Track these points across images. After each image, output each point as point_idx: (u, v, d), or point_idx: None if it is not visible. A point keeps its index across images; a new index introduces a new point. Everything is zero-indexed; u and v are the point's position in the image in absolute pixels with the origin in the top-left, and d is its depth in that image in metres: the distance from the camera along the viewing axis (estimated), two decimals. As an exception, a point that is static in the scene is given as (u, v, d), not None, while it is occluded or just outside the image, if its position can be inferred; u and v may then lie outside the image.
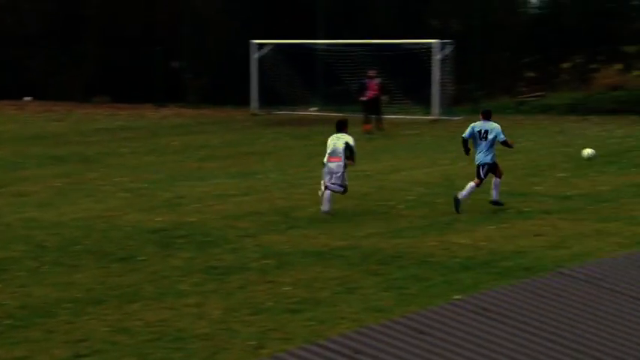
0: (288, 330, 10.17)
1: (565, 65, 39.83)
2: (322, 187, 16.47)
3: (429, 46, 34.09)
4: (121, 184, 20.15)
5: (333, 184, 16.51)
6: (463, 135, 17.34)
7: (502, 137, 17.05)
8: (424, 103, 35.15)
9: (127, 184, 20.13)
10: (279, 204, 17.50)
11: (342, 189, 16.62)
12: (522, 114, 35.03)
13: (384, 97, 31.51)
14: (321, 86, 39.45)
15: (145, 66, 42.30)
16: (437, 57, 33.81)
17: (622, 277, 7.24)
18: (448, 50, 34.11)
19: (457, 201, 16.44)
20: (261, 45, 37.60)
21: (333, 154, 16.85)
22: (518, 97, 37.57)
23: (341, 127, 17.45)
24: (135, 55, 42.19)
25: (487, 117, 17.39)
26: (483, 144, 16.93)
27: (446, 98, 34.72)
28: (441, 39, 34.46)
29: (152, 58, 41.54)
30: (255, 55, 37.40)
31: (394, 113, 33.63)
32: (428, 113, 34.36)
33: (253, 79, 37.25)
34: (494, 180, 16.71)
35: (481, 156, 16.92)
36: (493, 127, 17.08)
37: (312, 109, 37.79)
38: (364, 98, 30.68)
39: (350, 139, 16.93)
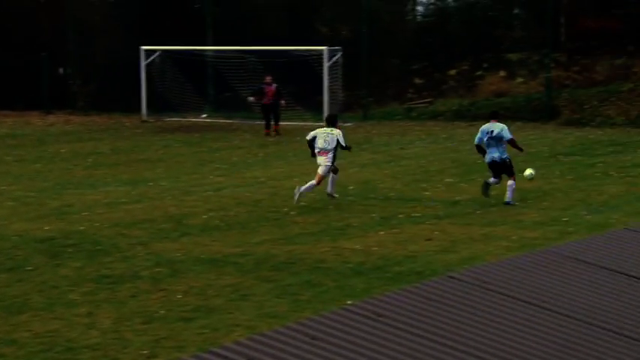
0: (181, 338, 10.10)
1: (452, 72, 40.59)
2: (314, 181, 17.75)
3: (318, 53, 34.31)
4: (7, 193, 19.69)
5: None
6: (474, 142, 18.34)
7: (509, 135, 17.83)
8: (315, 109, 35.35)
9: (14, 193, 19.68)
10: (171, 211, 17.36)
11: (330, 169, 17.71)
12: (411, 120, 35.54)
13: (282, 102, 31.91)
14: (212, 93, 39.32)
15: (31, 72, 41.47)
16: (326, 64, 34.02)
17: (509, 280, 7.42)
18: (337, 57, 34.38)
19: (486, 185, 17.54)
20: (150, 51, 37.27)
21: (323, 149, 17.82)
22: (407, 104, 38.10)
23: (331, 121, 18.64)
24: (20, 61, 41.31)
25: (494, 117, 18.48)
26: (492, 143, 17.85)
27: (336, 105, 34.97)
28: (330, 46, 34.72)
29: (38, 64, 40.75)
30: (144, 62, 37.04)
31: (286, 120, 33.66)
32: (319, 119, 34.54)
33: (143, 86, 36.88)
34: (508, 182, 17.47)
35: (492, 155, 17.81)
36: (500, 126, 17.98)
37: (202, 115, 37.63)
38: (264, 102, 31.44)
39: (340, 136, 17.97)
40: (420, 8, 45.83)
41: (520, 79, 37.75)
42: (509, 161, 17.81)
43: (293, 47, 35.37)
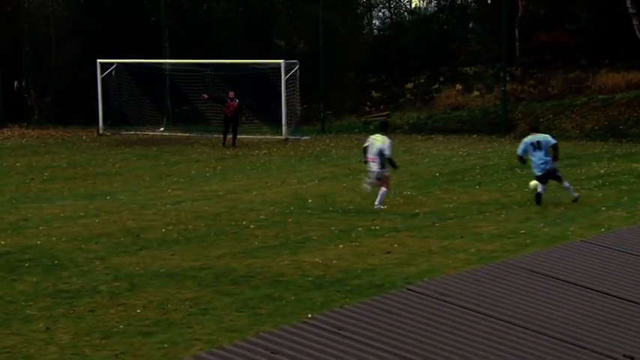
0: (140, 353, 10.06)
1: (408, 85, 40.84)
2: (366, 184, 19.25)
3: (276, 66, 34.37)
4: (-38, 208, 19.48)
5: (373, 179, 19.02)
6: (518, 153, 19.19)
7: (553, 141, 18.88)
8: (273, 122, 35.39)
9: (-31, 207, 19.48)
10: (129, 225, 17.29)
11: (378, 181, 19.00)
12: (369, 133, 35.59)
13: (242, 118, 32.31)
14: (169, 106, 39.22)
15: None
16: (284, 77, 34.10)
17: (467, 293, 7.48)
18: (294, 70, 34.47)
19: (538, 195, 18.50)
20: (106, 64, 37.10)
21: (371, 154, 19.19)
22: (365, 117, 38.27)
23: (382, 127, 20.44)
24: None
25: (535, 130, 19.44)
26: (540, 154, 18.63)
27: (294, 118, 35.04)
28: (288, 59, 34.80)
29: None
30: (100, 75, 36.85)
31: (244, 133, 33.66)
32: (277, 133, 34.61)
33: (99, 99, 36.68)
34: (563, 184, 18.72)
35: (542, 166, 18.60)
36: (544, 136, 18.99)
37: (160, 129, 37.51)
38: (226, 114, 32.04)
39: (385, 143, 19.17)
40: (376, 22, 46.16)
41: (476, 93, 38.10)
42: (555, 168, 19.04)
43: (250, 60, 35.42)
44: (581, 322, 7.34)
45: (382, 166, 19.12)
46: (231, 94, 32.34)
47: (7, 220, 18.00)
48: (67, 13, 41.59)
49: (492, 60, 39.07)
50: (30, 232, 16.76)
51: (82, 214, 18.62)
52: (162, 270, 13.67)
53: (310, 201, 19.90)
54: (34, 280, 13.22)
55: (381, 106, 39.53)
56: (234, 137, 31.76)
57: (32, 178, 24.20)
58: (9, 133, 37.81)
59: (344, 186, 22.04)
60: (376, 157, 19.06)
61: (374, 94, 40.78)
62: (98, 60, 36.85)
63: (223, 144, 31.66)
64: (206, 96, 33.85)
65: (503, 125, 34.12)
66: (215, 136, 34.86)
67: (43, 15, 41.43)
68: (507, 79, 36.03)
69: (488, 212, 18.29)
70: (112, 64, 37.22)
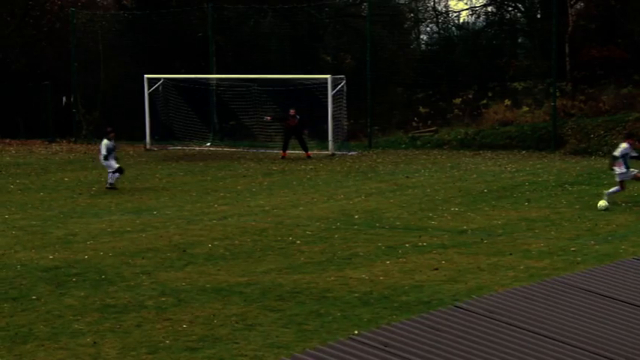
0: (187, 368, 10.10)
1: (456, 101, 40.70)
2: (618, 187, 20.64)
3: (322, 82, 34.46)
4: (11, 222, 19.75)
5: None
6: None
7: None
8: (320, 137, 35.47)
9: (18, 222, 19.75)
10: (175, 240, 17.41)
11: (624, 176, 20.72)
12: (416, 149, 35.64)
13: (305, 131, 33.34)
14: (216, 121, 39.47)
15: (34, 101, 41.64)
16: (330, 92, 34.18)
17: (516, 311, 7.43)
18: (341, 85, 34.54)
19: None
20: (153, 79, 37.45)
21: (616, 159, 20.81)
22: (412, 132, 38.21)
23: (626, 135, 21.98)
24: (23, 90, 41.49)
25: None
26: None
27: (341, 133, 35.10)
28: (335, 74, 34.88)
29: (41, 92, 40.92)
30: (147, 90, 37.20)
31: (291, 148, 33.78)
32: (324, 148, 34.67)
33: (146, 114, 37.02)
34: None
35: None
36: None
37: (206, 144, 37.75)
38: (287, 127, 33.35)
39: (618, 149, 20.96)
40: (424, 37, 46.10)
41: (525, 108, 37.87)
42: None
43: (297, 76, 35.55)
44: (635, 342, 7.25)
45: (626, 168, 20.74)
46: (292, 111, 33.19)
47: (56, 234, 18.21)
48: (115, 29, 42.07)
49: (542, 75, 38.84)
50: (78, 246, 16.94)
51: (129, 229, 18.78)
52: (208, 285, 13.74)
53: (357, 217, 19.90)
54: (82, 294, 13.34)
55: (429, 122, 39.44)
56: (306, 150, 33.03)
57: (80, 193, 24.47)
58: (57, 148, 38.28)
59: (391, 202, 22.01)
60: (619, 159, 20.72)
61: (421, 109, 40.71)
62: (145, 75, 37.21)
63: (283, 157, 32.72)
64: (269, 118, 34.42)
65: (553, 141, 33.88)
66: (262, 151, 35.01)
67: (91, 31, 41.95)
68: (557, 94, 35.78)
69: (537, 229, 18.16)
70: (159, 79, 37.56)
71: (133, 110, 38.57)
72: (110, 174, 25.09)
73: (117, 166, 25.17)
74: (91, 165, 31.63)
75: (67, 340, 11.16)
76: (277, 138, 35.39)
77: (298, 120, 33.06)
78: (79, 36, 41.52)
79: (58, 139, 40.42)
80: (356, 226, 18.68)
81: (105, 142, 25.37)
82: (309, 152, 33.17)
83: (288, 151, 33.12)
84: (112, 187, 24.90)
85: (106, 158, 25.19)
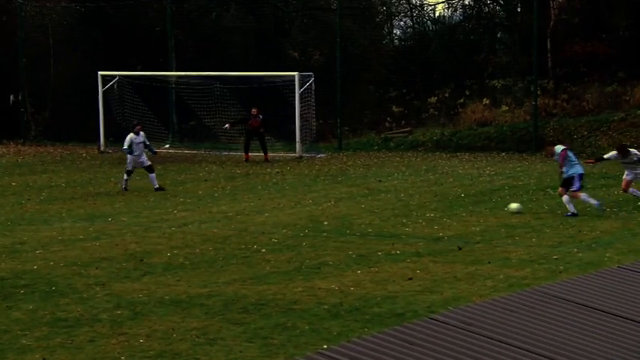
0: (144, 386, 10.07)
1: (432, 100, 40.88)
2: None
3: (289, 79, 34.48)
4: (-47, 230, 19.59)
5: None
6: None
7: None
8: (286, 139, 35.49)
9: (-39, 230, 19.59)
10: (132, 249, 17.35)
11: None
12: (389, 151, 35.74)
13: (262, 130, 33.01)
14: (175, 122, 39.37)
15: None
16: (298, 90, 34.21)
17: (495, 323, 7.47)
18: (309, 83, 34.59)
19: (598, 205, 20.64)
20: (108, 77, 37.31)
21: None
22: (385, 133, 38.32)
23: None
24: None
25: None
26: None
27: (309, 134, 35.14)
28: (302, 71, 34.92)
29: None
30: (102, 88, 37.05)
31: (256, 150, 33.82)
32: (291, 150, 34.70)
33: (100, 114, 36.87)
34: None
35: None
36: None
37: (165, 146, 37.64)
38: (249, 127, 33.43)
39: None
40: (397, 32, 46.27)
41: (505, 108, 38.11)
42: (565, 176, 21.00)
43: (262, 73, 35.57)
44: (618, 354, 7.31)
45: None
46: (254, 110, 33.32)
47: (2, 243, 18.08)
48: (67, 23, 41.84)
49: (522, 72, 39.10)
50: (26, 256, 16.83)
51: (81, 237, 18.69)
52: (167, 297, 13.70)
53: (326, 223, 19.91)
54: (30, 307, 13.26)
55: (403, 122, 39.58)
56: (266, 153, 33.14)
57: (29, 199, 24.31)
58: (4, 150, 38.02)
59: (362, 207, 22.05)
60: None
61: (395, 108, 40.86)
62: (99, 72, 37.07)
63: (246, 160, 32.76)
64: (228, 126, 34.47)
65: (534, 143, 34.11)
66: (225, 153, 34.97)
67: (40, 24, 41.71)
68: (538, 92, 36.04)
69: (517, 236, 18.26)
70: (114, 76, 37.44)
71: (85, 109, 38.38)
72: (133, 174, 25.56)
73: (129, 168, 25.59)
74: (40, 169, 31.45)
75: (14, 357, 11.09)
76: (241, 140, 35.35)
77: (260, 120, 33.10)
78: (27, 30, 41.29)
79: (5, 141, 40.15)
80: (325, 234, 18.69)
81: (130, 135, 25.82)
82: (268, 155, 33.21)
83: (251, 153, 33.12)
84: (125, 189, 25.33)
85: (127, 153, 25.80)
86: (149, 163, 25.98)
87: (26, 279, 14.97)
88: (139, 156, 25.75)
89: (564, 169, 20.77)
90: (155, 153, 26.98)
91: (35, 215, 21.59)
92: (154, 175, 25.74)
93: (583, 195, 20.73)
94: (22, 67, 40.57)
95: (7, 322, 12.56)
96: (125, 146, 25.91)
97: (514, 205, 21.08)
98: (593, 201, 20.72)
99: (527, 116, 36.42)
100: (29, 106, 41.24)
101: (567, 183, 20.76)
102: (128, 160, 25.98)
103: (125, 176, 25.81)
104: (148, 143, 26.38)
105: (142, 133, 26.18)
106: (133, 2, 40.34)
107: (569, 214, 20.36)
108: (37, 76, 41.18)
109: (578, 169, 20.78)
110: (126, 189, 25.43)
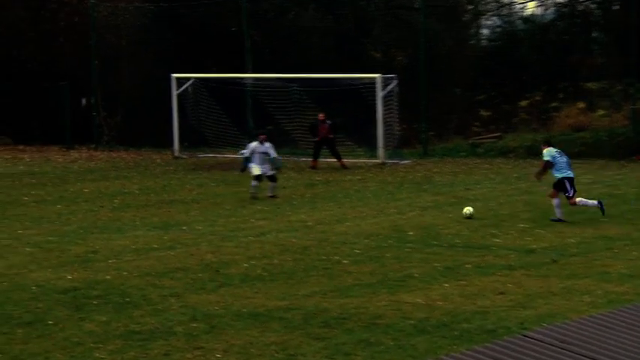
0: (221, 403, 10.09)
1: (523, 103, 40.50)
2: None
3: (371, 82, 34.42)
4: (25, 238, 19.91)
5: None
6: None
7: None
8: (368, 144, 35.43)
9: (32, 238, 19.90)
10: (207, 259, 17.45)
11: None
12: (478, 157, 35.48)
13: (331, 136, 32.98)
14: (252, 126, 39.55)
15: (50, 103, 41.99)
16: (380, 93, 34.13)
17: (592, 341, 7.33)
18: (392, 86, 34.49)
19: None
20: (182, 79, 37.63)
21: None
22: (473, 139, 38.06)
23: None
24: (37, 91, 41.88)
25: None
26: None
27: (392, 139, 35.04)
28: (385, 73, 34.83)
29: (57, 93, 41.27)
30: (176, 91, 37.39)
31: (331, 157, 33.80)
32: (373, 156, 34.62)
33: (175, 118, 37.19)
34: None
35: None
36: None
37: (242, 151, 37.81)
38: (316, 139, 33.29)
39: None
40: (485, 31, 45.90)
41: (601, 112, 37.57)
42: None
43: (342, 75, 35.55)
44: None
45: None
46: (322, 116, 33.06)
47: (74, 252, 18.33)
48: (140, 23, 42.34)
49: (619, 74, 38.49)
50: (99, 265, 17.03)
51: (155, 246, 18.85)
52: (244, 310, 13.74)
53: (411, 233, 19.82)
54: (104, 319, 13.40)
55: (492, 127, 39.28)
56: (340, 159, 32.91)
57: (101, 206, 24.62)
58: (76, 155, 38.58)
59: (449, 217, 21.92)
60: None
61: (483, 112, 40.60)
62: (173, 75, 37.41)
63: (313, 167, 32.65)
64: (316, 139, 33.44)
65: (634, 148, 33.53)
66: (303, 159, 35.04)
67: (113, 25, 42.27)
68: (638, 95, 35.42)
69: (617, 249, 17.97)
70: (189, 79, 37.76)
71: (159, 113, 38.78)
72: (269, 185, 25.46)
73: (256, 173, 25.47)
74: (113, 175, 31.83)
75: (88, 371, 11.20)
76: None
77: (329, 125, 32.92)
78: (99, 31, 41.88)
79: (77, 146, 40.73)
80: (410, 244, 18.61)
81: (253, 143, 25.90)
82: (343, 160, 33.04)
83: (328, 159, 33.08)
84: (254, 197, 25.14)
85: (247, 160, 25.63)
86: (272, 172, 25.67)
87: (99, 289, 15.14)
88: (260, 166, 25.40)
89: (553, 172, 21.43)
90: (278, 168, 26.63)
91: (108, 223, 21.85)
92: (275, 184, 25.55)
93: (580, 200, 21.27)
94: (94, 69, 41.15)
95: (80, 334, 12.71)
96: (246, 153, 25.75)
97: (468, 210, 21.65)
98: (590, 202, 21.50)
99: (625, 121, 35.84)
100: (101, 109, 41.80)
101: (559, 186, 21.33)
102: (249, 165, 25.60)
103: (253, 182, 25.40)
104: (274, 156, 25.94)
105: (267, 143, 25.90)
106: (207, 2, 40.67)
107: (554, 218, 20.83)
108: (110, 79, 41.74)
109: (567, 173, 21.36)
110: (255, 197, 25.07)
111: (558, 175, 21.33)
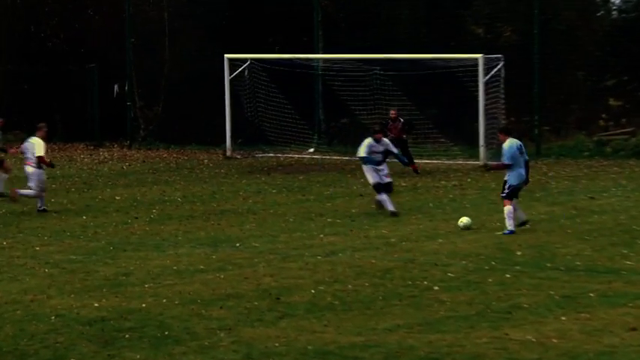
0: None
1: (664, 90, 40.13)
2: None
3: (471, 63, 34.31)
4: (43, 256, 20.14)
5: None
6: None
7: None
8: (467, 142, 35.32)
9: (52, 256, 20.13)
10: (266, 283, 17.51)
11: None
12: (605, 158, 35.20)
13: (405, 137, 32.58)
14: (322, 118, 39.65)
15: (75, 90, 42.49)
16: (482, 78, 34.02)
17: None
18: (498, 69, 34.35)
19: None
20: (237, 61, 37.81)
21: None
22: (599, 135, 37.77)
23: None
24: (60, 76, 42.40)
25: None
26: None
27: (497, 136, 34.89)
28: (488, 53, 34.69)
29: (84, 78, 41.74)
30: (229, 76, 37.59)
31: (426, 156, 33.77)
32: (473, 156, 34.50)
33: (227, 109, 37.40)
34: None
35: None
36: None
37: (309, 150, 37.96)
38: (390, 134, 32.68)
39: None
40: (616, 1, 45.47)
41: None
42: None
43: (435, 55, 35.50)
44: None
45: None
46: (393, 113, 33.00)
47: (102, 274, 18.49)
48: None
49: None
50: (132, 290, 17.15)
51: (202, 267, 18.95)
52: (310, 347, 13.77)
53: (519, 253, 19.72)
54: (137, 357, 13.51)
55: (623, 120, 38.93)
56: (412, 163, 32.08)
57: (136, 217, 24.82)
58: (106, 155, 38.98)
59: (568, 233, 21.79)
60: None
61: (612, 102, 40.23)
62: (226, 55, 37.63)
63: (415, 170, 32.07)
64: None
65: None
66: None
67: (152, -4, 42.66)
68: None
69: None
70: (245, 60, 37.95)
71: (208, 104, 39.05)
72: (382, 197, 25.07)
73: (373, 181, 24.95)
74: (150, 179, 32.10)
75: (117, 420, 11.32)
76: (408, 141, 35.31)
77: (401, 124, 32.61)
78: (136, 1, 42.25)
79: (107, 143, 41.17)
80: (518, 267, 18.52)
81: (367, 140, 25.38)
82: (417, 165, 32.55)
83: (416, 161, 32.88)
84: (380, 207, 24.90)
85: (364, 162, 25.22)
86: (389, 180, 25.18)
87: (132, 320, 15.25)
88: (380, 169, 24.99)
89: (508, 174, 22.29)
90: (407, 163, 26.49)
91: (144, 238, 22.01)
92: (385, 197, 24.76)
93: (509, 206, 22.11)
94: (130, 49, 41.53)
95: (108, 375, 12.85)
96: (361, 154, 25.15)
97: (465, 221, 22.34)
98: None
99: None
100: (137, 98, 42.19)
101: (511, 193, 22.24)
102: (368, 172, 25.05)
103: (379, 196, 24.81)
104: (395, 152, 25.76)
105: (385, 139, 25.66)
106: (269, -34, 40.86)
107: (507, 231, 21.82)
108: (148, 61, 42.10)
109: (512, 178, 22.15)
110: (381, 207, 24.74)
111: (513, 182, 22.16)
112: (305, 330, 14.65)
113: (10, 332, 14.73)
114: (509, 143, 22.18)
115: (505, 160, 22.17)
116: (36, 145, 25.86)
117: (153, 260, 19.61)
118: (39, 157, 25.69)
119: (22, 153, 26.29)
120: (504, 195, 22.08)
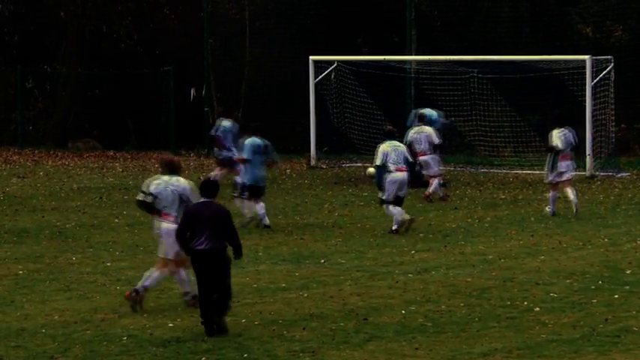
0: None
1: None
2: None
3: (577, 65, 34.07)
4: (114, 272, 20.32)
5: None
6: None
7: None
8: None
9: (124, 272, 20.30)
10: (352, 303, 17.53)
11: None
12: None
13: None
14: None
15: (149, 94, 42.73)
16: (590, 82, 33.76)
17: None
18: (607, 71, 34.07)
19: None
20: (323, 63, 37.84)
21: None
22: None
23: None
24: (133, 79, 42.68)
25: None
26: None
27: (605, 144, 34.63)
28: (596, 54, 34.43)
29: (158, 83, 41.98)
30: (314, 79, 37.63)
31: (525, 166, 33.55)
32: (578, 166, 34.23)
33: (312, 114, 37.45)
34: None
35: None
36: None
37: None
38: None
39: None
40: None
41: None
42: None
43: (539, 57, 35.30)
44: None
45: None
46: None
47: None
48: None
49: None
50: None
51: (283, 285, 19.01)
52: (401, 372, 13.79)
53: (629, 272, 19.56)
54: (214, 380, 13.62)
55: None
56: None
57: (214, 231, 24.95)
58: (182, 163, 39.15)
59: (683, 250, 21.58)
60: None
61: None
62: (311, 57, 37.68)
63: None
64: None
65: None
66: (483, 170, 34.95)
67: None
68: None
69: None
70: (332, 62, 37.97)
71: (291, 109, 39.12)
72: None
73: (387, 198, 24.44)
74: (227, 190, 32.24)
75: None
76: (508, 150, 35.16)
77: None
78: (215, 0, 42.45)
79: (183, 151, 41.38)
80: (627, 287, 18.38)
81: (382, 146, 25.30)
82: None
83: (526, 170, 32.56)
84: (396, 231, 24.28)
85: (381, 172, 24.52)
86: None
87: (209, 342, 15.37)
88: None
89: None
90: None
91: (222, 254, 22.13)
92: (397, 210, 24.37)
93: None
94: (208, 50, 41.72)
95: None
96: (378, 162, 24.83)
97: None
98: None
99: None
100: (216, 103, 42.37)
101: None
102: (384, 184, 24.47)
103: (394, 215, 24.31)
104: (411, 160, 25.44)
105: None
106: (358, -40, 40.87)
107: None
108: (227, 64, 42.24)
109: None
110: (397, 229, 24.21)
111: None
112: (394, 353, 14.67)
113: (80, 353, 14.89)
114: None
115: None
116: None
117: (232, 277, 19.69)
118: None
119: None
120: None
